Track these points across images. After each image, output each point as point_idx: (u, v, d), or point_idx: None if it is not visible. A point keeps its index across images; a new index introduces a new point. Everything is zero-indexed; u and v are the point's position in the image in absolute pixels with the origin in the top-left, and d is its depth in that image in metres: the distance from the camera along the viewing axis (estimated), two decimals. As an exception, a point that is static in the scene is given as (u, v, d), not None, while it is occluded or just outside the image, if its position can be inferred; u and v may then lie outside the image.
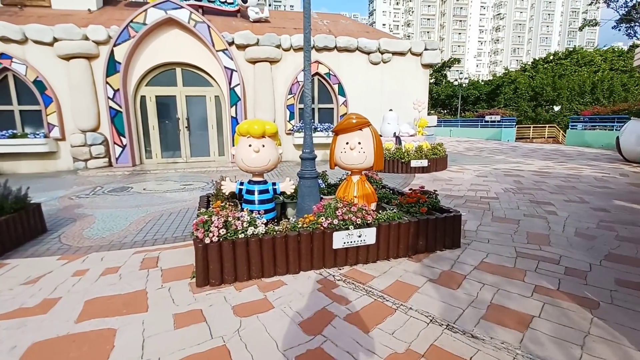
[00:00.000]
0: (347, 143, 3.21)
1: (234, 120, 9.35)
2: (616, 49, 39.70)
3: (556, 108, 29.86)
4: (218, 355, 1.80)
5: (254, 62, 9.51)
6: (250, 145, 3.10)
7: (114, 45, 8.31)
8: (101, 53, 8.50)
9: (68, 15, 9.53)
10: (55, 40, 8.20)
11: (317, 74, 9.96)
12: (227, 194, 3.36)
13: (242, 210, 2.95)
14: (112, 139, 8.68)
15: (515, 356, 1.79)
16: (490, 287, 2.52)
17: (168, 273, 2.79)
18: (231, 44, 9.23)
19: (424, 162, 7.77)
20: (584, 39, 78.49)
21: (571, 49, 40.14)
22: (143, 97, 9.17)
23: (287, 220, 3.13)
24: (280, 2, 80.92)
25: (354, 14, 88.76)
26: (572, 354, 1.81)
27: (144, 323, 2.10)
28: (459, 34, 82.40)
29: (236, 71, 9.10)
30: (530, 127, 27.03)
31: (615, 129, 14.79)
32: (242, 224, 2.61)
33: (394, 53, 10.54)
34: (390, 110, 8.93)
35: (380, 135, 3.42)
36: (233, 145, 3.33)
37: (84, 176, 7.81)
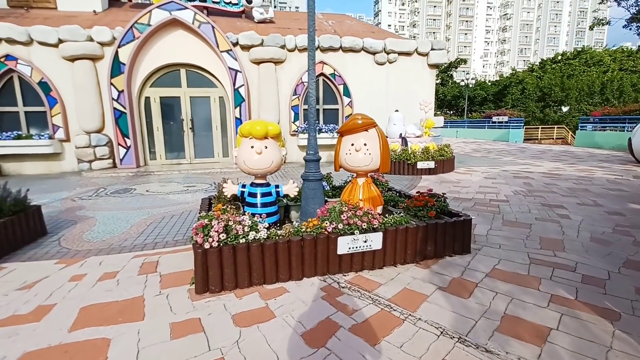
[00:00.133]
0: (352, 144, 3.08)
1: (238, 121, 9.28)
2: (625, 49, 39.14)
3: (564, 109, 29.45)
4: (215, 369, 1.70)
5: (258, 62, 9.45)
6: (252, 147, 3.01)
7: (119, 47, 8.31)
8: (106, 54, 8.50)
9: (73, 16, 9.56)
10: (60, 41, 8.22)
11: (322, 74, 9.87)
12: (229, 196, 3.28)
13: (244, 213, 2.86)
14: (116, 140, 8.67)
15: (533, 374, 1.66)
16: (504, 296, 2.39)
17: (167, 278, 2.70)
18: (235, 44, 9.18)
19: (431, 164, 7.62)
20: (592, 39, 77.47)
21: (580, 49, 39.63)
22: (147, 98, 9.15)
23: (290, 223, 3.03)
24: (286, 2, 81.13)
25: (359, 15, 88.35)
26: (595, 371, 1.68)
27: (139, 332, 2.00)
28: (465, 34, 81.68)
29: (240, 72, 9.04)
30: (538, 128, 26.67)
31: (627, 130, 14.48)
32: (243, 228, 2.51)
33: (400, 53, 10.40)
34: (396, 111, 8.81)
35: (386, 137, 3.30)
36: (236, 147, 3.24)
37: (87, 177, 7.79)
